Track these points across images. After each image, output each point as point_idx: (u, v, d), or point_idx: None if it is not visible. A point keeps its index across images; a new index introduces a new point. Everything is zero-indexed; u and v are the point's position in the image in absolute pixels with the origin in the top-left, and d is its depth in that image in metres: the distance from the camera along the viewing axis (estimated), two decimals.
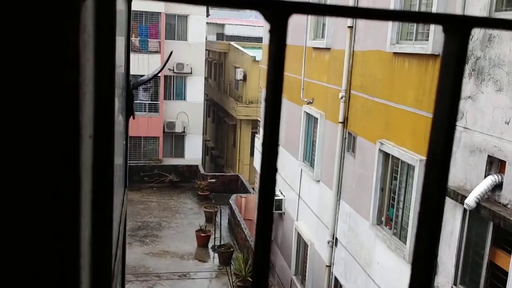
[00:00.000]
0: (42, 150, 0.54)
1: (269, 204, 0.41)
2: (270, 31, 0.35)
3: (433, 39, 7.51)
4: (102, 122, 0.77)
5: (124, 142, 2.02)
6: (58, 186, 0.56)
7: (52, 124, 0.54)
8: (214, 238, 18.16)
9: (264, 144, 0.39)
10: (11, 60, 0.50)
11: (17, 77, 0.51)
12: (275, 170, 0.40)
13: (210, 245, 18.27)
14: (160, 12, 26.03)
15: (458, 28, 0.42)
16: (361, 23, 10.17)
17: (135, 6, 27.33)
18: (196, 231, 18.42)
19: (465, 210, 6.67)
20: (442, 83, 0.42)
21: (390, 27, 8.79)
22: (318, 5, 0.36)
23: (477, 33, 6.59)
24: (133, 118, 2.08)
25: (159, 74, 25.90)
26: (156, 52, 26.06)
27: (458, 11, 6.93)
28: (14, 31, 0.50)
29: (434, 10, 7.54)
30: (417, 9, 8.30)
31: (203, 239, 18.20)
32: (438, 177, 0.43)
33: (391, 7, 8.77)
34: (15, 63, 0.51)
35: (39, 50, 0.51)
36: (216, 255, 17.40)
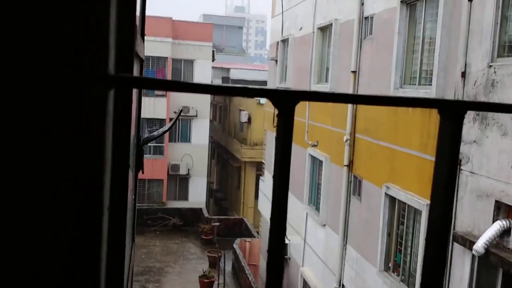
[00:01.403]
0: (65, 221, 0.57)
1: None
2: (278, 116, 0.35)
3: (437, 84, 7.58)
4: (117, 194, 0.82)
5: (133, 196, 2.02)
6: (82, 264, 0.59)
7: (77, 200, 0.57)
8: (218, 284, 17.81)
9: (272, 227, 0.38)
10: (48, 139, 0.55)
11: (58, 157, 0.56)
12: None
13: None
14: (167, 57, 26.53)
15: (452, 112, 0.42)
16: (365, 67, 10.31)
17: None
18: (199, 276, 18.10)
19: (473, 256, 6.55)
20: (438, 161, 0.43)
21: (393, 71, 8.90)
22: (321, 93, 0.35)
23: (479, 78, 6.65)
24: (142, 173, 2.09)
25: (165, 118, 26.16)
26: (162, 96, 26.41)
27: (460, 58, 7.01)
28: (47, 117, 0.55)
29: (436, 56, 7.64)
30: (419, 58, 8.41)
31: (206, 286, 17.84)
32: (437, 255, 0.42)
33: (393, 61, 8.89)
34: (52, 145, 0.56)
35: (70, 134, 0.56)
36: None
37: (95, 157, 0.57)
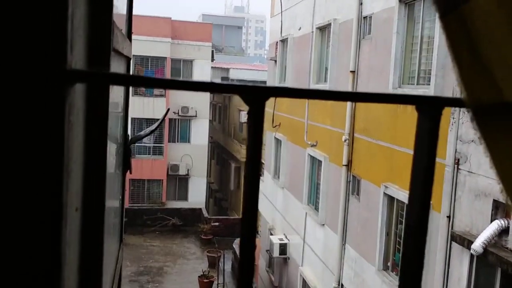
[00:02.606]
0: (22, 231, 0.56)
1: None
2: (248, 113, 0.35)
3: (435, 83, 7.59)
4: (92, 194, 0.80)
5: (121, 197, 2.01)
6: (39, 269, 0.57)
7: (33, 207, 0.56)
8: (217, 284, 17.82)
9: (242, 220, 0.39)
10: None
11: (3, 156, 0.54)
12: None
13: None
14: (166, 57, 26.54)
15: (430, 108, 0.43)
16: (364, 67, 10.32)
17: (141, 51, 27.72)
18: (199, 276, 18.11)
19: (472, 255, 6.55)
20: (417, 158, 0.43)
21: (392, 70, 8.91)
22: (290, 88, 0.36)
23: None
24: (130, 173, 2.09)
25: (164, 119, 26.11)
26: (161, 95, 26.41)
27: None
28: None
29: (434, 55, 7.65)
30: (417, 57, 8.42)
31: (205, 285, 17.85)
32: (416, 251, 0.42)
33: (392, 61, 8.90)
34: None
35: (24, 132, 0.54)
36: None
37: (52, 155, 0.56)
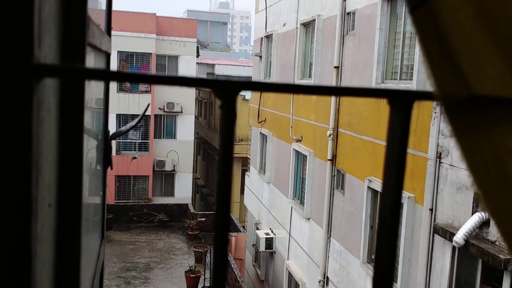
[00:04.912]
0: None
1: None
2: (220, 107, 0.39)
3: (417, 78, 7.69)
4: (66, 189, 0.81)
5: (102, 193, 2.03)
6: (8, 258, 0.57)
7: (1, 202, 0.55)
8: (204, 279, 17.85)
9: (216, 217, 0.43)
10: None
11: None
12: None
13: (200, 286, 17.93)
14: (151, 53, 26.39)
15: (401, 101, 0.46)
16: (347, 63, 10.40)
17: (126, 47, 27.49)
18: (185, 272, 18.11)
19: (454, 247, 6.68)
20: (389, 151, 0.46)
21: (375, 66, 9.00)
22: (261, 83, 0.40)
23: None
24: (111, 168, 2.10)
25: (149, 114, 26.04)
26: (147, 92, 26.26)
27: None
28: None
29: (416, 51, 7.75)
30: (400, 53, 8.52)
31: (192, 280, 17.87)
32: (388, 245, 0.47)
33: (375, 56, 8.99)
34: None
35: None
36: None
37: (19, 151, 0.54)
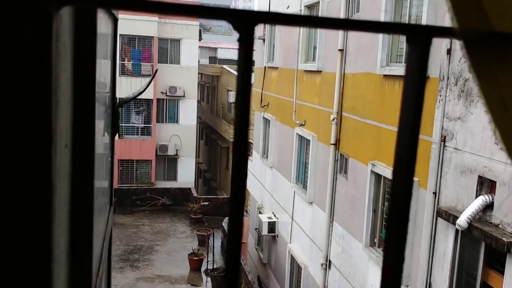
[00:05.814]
0: (11, 155, 0.55)
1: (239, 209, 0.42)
2: (238, 40, 0.37)
3: None
4: (80, 132, 0.79)
5: (110, 159, 2.02)
6: (28, 193, 0.56)
7: (22, 131, 0.55)
8: (207, 261, 17.98)
9: (235, 145, 0.41)
10: None
11: None
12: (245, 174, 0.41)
13: (203, 269, 18.08)
14: (153, 37, 26.25)
15: (419, 37, 0.44)
16: (352, 46, 10.32)
17: (128, 31, 27.37)
18: (188, 254, 18.25)
19: (457, 230, 6.68)
20: (406, 90, 0.44)
21: (380, 49, 8.92)
22: (282, 14, 0.37)
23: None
24: (119, 136, 2.09)
25: (152, 98, 25.99)
26: (149, 75, 26.17)
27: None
28: None
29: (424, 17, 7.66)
30: (407, 14, 8.41)
31: (196, 263, 18.01)
32: (405, 181, 0.45)
33: (380, 39, 8.89)
34: None
35: (8, 58, 0.53)
36: (209, 279, 17.21)
37: (39, 79, 0.54)
